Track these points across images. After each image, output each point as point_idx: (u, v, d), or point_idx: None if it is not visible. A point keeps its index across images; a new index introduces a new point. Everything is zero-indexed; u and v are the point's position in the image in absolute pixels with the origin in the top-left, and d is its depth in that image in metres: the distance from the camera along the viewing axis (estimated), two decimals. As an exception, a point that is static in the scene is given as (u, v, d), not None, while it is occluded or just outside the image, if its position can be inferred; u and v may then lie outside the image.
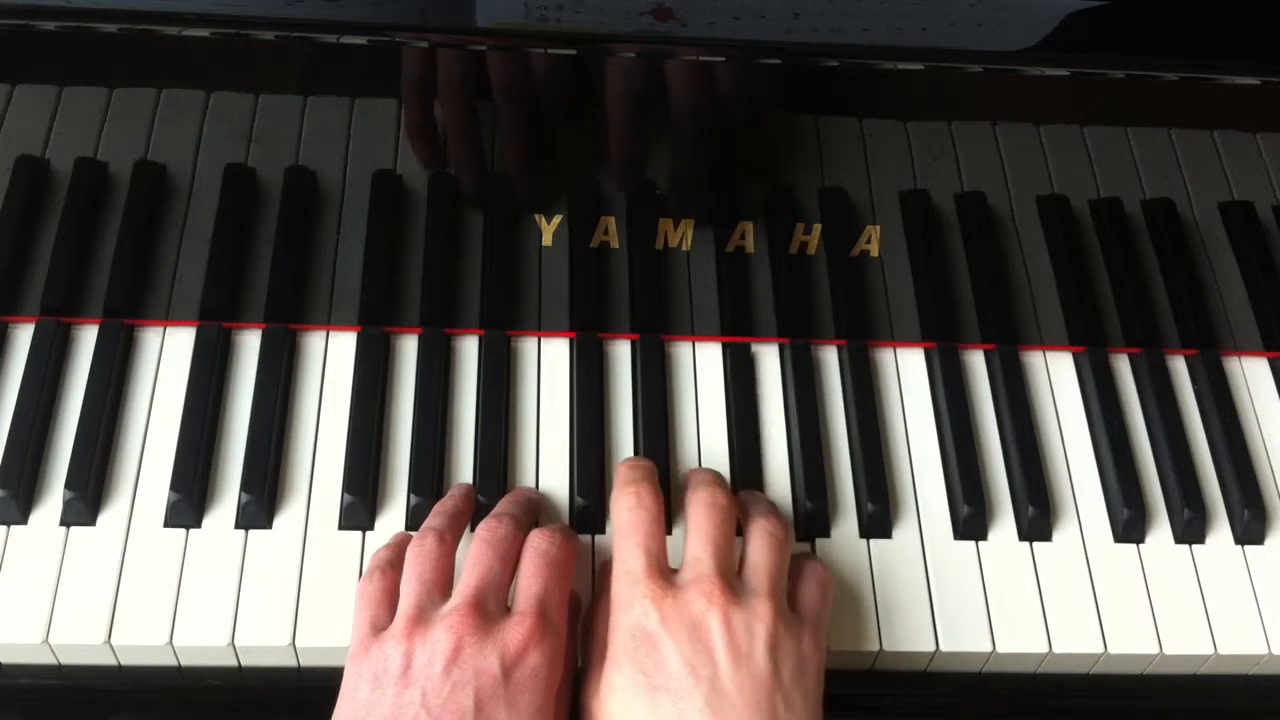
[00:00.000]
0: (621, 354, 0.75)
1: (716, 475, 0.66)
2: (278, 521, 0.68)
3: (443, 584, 0.61)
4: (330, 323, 0.74)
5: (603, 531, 0.69)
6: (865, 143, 0.67)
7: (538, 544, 0.62)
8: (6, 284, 0.71)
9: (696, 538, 0.61)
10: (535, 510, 0.68)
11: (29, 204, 0.68)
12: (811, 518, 0.70)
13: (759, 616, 0.58)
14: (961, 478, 0.72)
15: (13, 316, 0.73)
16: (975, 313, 0.75)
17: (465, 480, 0.70)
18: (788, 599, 0.62)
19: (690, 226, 0.70)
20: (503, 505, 0.66)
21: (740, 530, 0.65)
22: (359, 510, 0.68)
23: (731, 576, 0.60)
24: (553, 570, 0.61)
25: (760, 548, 0.62)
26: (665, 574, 0.59)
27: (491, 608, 0.59)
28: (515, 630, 0.57)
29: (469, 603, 0.58)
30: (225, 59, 0.62)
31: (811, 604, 0.62)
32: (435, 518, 0.64)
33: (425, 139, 0.65)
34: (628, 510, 0.62)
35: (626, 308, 0.74)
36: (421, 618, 0.58)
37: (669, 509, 0.68)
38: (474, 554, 0.61)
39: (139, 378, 0.72)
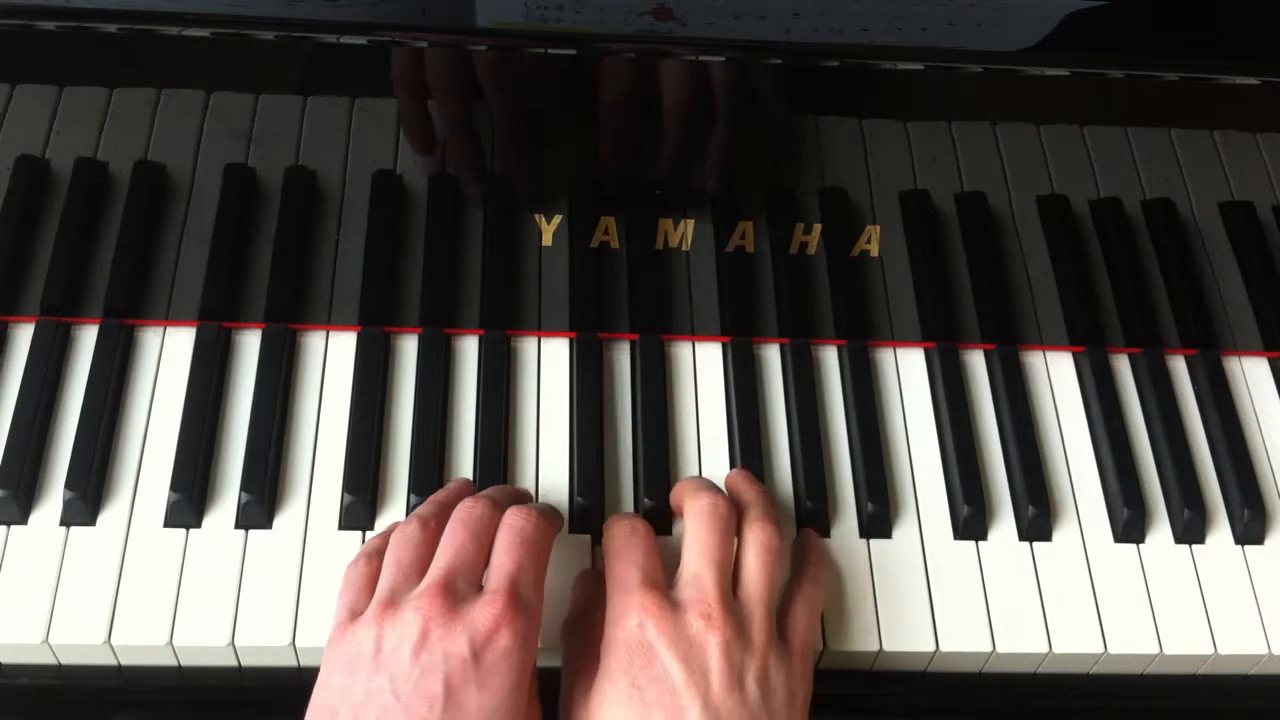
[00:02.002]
0: (621, 354, 0.75)
1: (712, 483, 0.66)
2: (278, 521, 0.68)
3: (420, 568, 0.59)
4: (330, 323, 0.74)
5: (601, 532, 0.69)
6: (865, 143, 0.67)
7: (512, 522, 0.60)
8: (6, 284, 0.71)
9: (696, 552, 0.60)
10: (520, 500, 0.67)
11: (29, 204, 0.68)
12: (811, 517, 0.70)
13: (754, 642, 0.58)
14: (961, 478, 0.72)
15: (13, 316, 0.73)
16: (975, 313, 0.75)
17: (465, 480, 0.70)
18: (779, 619, 0.62)
19: (690, 226, 0.70)
20: (485, 491, 0.65)
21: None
22: (359, 510, 0.68)
23: (730, 597, 0.59)
24: (527, 548, 0.59)
25: (756, 566, 0.61)
26: (662, 589, 0.59)
27: (462, 588, 0.57)
28: (485, 611, 0.56)
29: (438, 584, 0.57)
30: (225, 59, 0.62)
31: (802, 631, 0.62)
32: (425, 506, 0.63)
33: (425, 139, 0.65)
34: (622, 537, 0.61)
35: (626, 308, 0.74)
36: (393, 600, 0.57)
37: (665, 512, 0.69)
38: (448, 534, 0.60)
39: (139, 378, 0.72)
